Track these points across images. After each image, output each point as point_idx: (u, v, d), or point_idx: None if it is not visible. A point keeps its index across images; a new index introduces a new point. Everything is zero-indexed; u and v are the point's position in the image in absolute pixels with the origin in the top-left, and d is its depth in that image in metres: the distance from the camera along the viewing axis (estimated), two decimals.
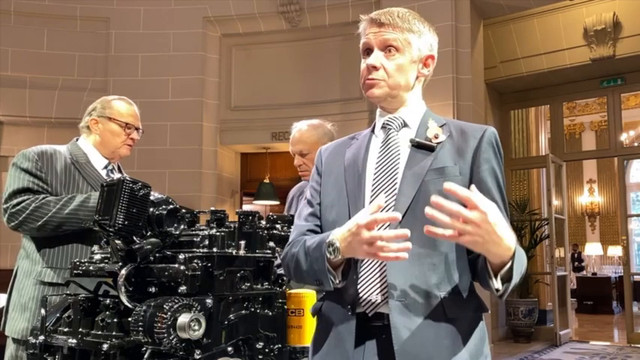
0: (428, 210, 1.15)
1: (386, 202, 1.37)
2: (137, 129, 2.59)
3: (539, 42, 7.26)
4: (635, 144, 13.10)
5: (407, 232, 1.20)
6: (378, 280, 1.35)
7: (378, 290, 1.35)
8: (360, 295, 1.37)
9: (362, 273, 1.37)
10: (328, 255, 1.30)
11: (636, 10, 6.78)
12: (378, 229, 1.27)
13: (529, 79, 7.58)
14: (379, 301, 1.35)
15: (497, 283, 1.25)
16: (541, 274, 8.44)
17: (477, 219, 1.12)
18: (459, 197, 1.14)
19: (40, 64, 6.44)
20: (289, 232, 1.62)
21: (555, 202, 8.26)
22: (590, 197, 14.68)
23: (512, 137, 8.44)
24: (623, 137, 9.23)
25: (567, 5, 6.90)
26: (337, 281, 1.35)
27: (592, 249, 13.65)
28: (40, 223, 2.23)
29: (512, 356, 6.63)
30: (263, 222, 1.61)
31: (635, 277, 8.84)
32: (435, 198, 1.13)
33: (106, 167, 2.51)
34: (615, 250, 13.07)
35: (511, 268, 1.22)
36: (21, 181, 2.30)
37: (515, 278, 1.24)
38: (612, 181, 13.78)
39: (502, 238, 1.16)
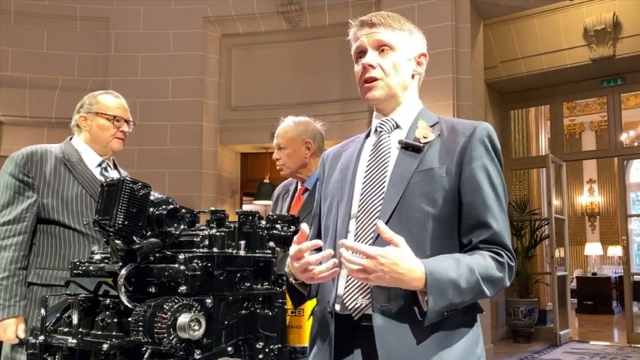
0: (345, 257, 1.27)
1: (373, 205, 1.41)
2: (127, 121, 2.57)
3: (539, 42, 7.27)
4: (635, 144, 13.09)
5: (330, 252, 1.32)
6: (363, 283, 1.36)
7: (363, 294, 1.37)
8: (345, 298, 1.39)
9: (348, 276, 1.38)
10: (292, 280, 1.45)
11: (636, 10, 6.78)
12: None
13: (529, 79, 7.58)
14: (364, 304, 1.36)
15: (424, 306, 1.28)
16: (541, 274, 8.44)
17: (370, 264, 1.23)
18: (352, 249, 1.25)
19: (40, 64, 6.44)
20: (289, 232, 1.63)
21: (555, 202, 8.27)
22: (590, 197, 14.67)
23: (512, 137, 8.44)
24: (623, 137, 9.23)
25: (567, 5, 6.90)
26: (305, 294, 1.48)
27: (592, 249, 13.64)
28: None
29: (512, 356, 6.63)
30: (263, 222, 1.61)
31: (635, 277, 8.85)
32: (343, 253, 1.26)
33: (100, 165, 2.50)
34: (615, 250, 13.06)
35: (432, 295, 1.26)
36: (4, 195, 2.32)
37: (438, 304, 1.25)
38: (612, 181, 13.76)
39: (404, 274, 1.24)
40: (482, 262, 1.32)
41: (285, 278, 1.49)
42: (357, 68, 1.50)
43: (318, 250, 1.36)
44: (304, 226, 1.34)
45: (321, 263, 1.32)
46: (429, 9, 5.78)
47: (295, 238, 1.35)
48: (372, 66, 1.46)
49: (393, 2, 5.73)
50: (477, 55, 6.24)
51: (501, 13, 6.59)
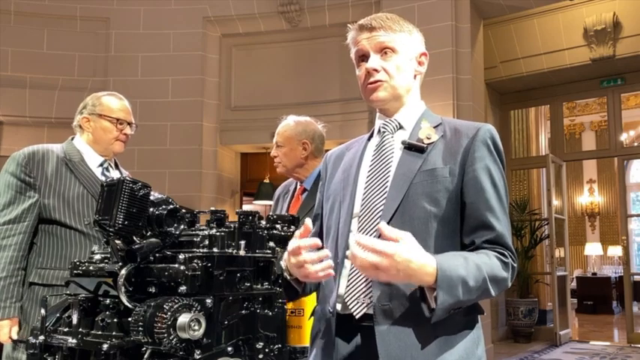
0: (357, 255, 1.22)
1: (375, 205, 1.40)
2: (130, 124, 2.57)
3: (539, 42, 7.27)
4: (635, 144, 13.09)
5: (326, 252, 1.30)
6: (364, 283, 1.36)
7: (364, 293, 1.36)
8: (347, 298, 1.38)
9: (350, 276, 1.38)
10: (286, 275, 1.43)
11: (636, 10, 6.78)
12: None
13: (529, 79, 7.58)
14: (365, 303, 1.36)
15: (432, 303, 1.26)
16: (541, 274, 8.44)
17: (385, 262, 1.19)
18: (366, 248, 1.21)
19: (40, 64, 6.44)
20: (289, 232, 1.63)
21: (555, 202, 8.27)
22: (590, 197, 14.67)
23: (512, 137, 8.44)
24: (623, 137, 9.23)
25: (567, 5, 6.89)
26: (300, 290, 1.47)
27: (592, 249, 13.65)
28: None
29: (512, 356, 6.63)
30: (263, 222, 1.61)
31: (635, 277, 8.85)
32: (353, 249, 1.21)
33: (101, 165, 2.50)
34: (615, 250, 13.06)
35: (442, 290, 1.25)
36: (5, 194, 2.32)
37: (447, 300, 1.23)
38: (612, 181, 13.77)
39: (417, 269, 1.21)
40: (488, 261, 1.32)
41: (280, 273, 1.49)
42: (360, 72, 1.49)
43: (319, 249, 1.36)
44: (308, 221, 1.33)
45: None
46: (428, 9, 5.78)
47: (297, 232, 1.35)
48: (376, 70, 1.45)
49: (392, 2, 5.73)
50: (477, 55, 6.24)
51: (501, 13, 6.59)
